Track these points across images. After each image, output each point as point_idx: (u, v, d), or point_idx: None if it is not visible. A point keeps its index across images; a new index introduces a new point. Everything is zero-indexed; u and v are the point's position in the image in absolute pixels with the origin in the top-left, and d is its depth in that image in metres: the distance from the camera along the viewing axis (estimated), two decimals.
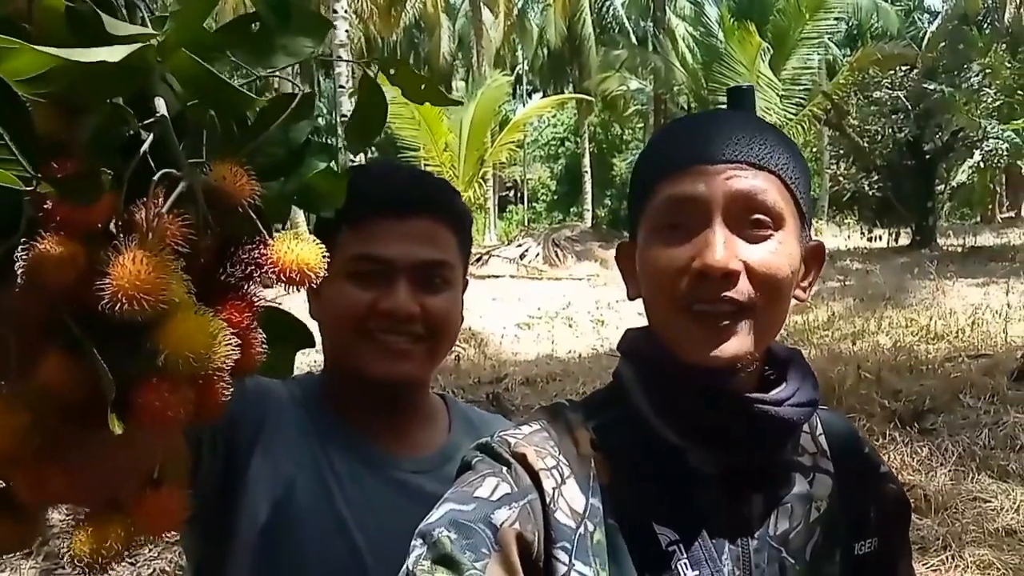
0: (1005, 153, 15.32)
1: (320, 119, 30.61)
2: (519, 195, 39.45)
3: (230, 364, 0.61)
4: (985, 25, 20.95)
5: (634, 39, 26.25)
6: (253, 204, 0.66)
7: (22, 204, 0.59)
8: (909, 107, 14.78)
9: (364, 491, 1.12)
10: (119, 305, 0.55)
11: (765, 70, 15.51)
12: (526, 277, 15.75)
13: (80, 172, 0.57)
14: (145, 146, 0.61)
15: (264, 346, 0.69)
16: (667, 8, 21.61)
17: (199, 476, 1.01)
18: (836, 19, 17.35)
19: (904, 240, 16.49)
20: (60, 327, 0.61)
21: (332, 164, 0.75)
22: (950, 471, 4.86)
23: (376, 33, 26.74)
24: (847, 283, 12.50)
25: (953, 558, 3.90)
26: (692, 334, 0.84)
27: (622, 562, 0.84)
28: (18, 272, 0.59)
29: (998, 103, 15.79)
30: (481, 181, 17.17)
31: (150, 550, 3.93)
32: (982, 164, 15.93)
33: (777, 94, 15.67)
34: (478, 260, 16.90)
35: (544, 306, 12.31)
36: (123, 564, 3.71)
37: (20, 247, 0.59)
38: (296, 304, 1.00)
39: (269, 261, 0.65)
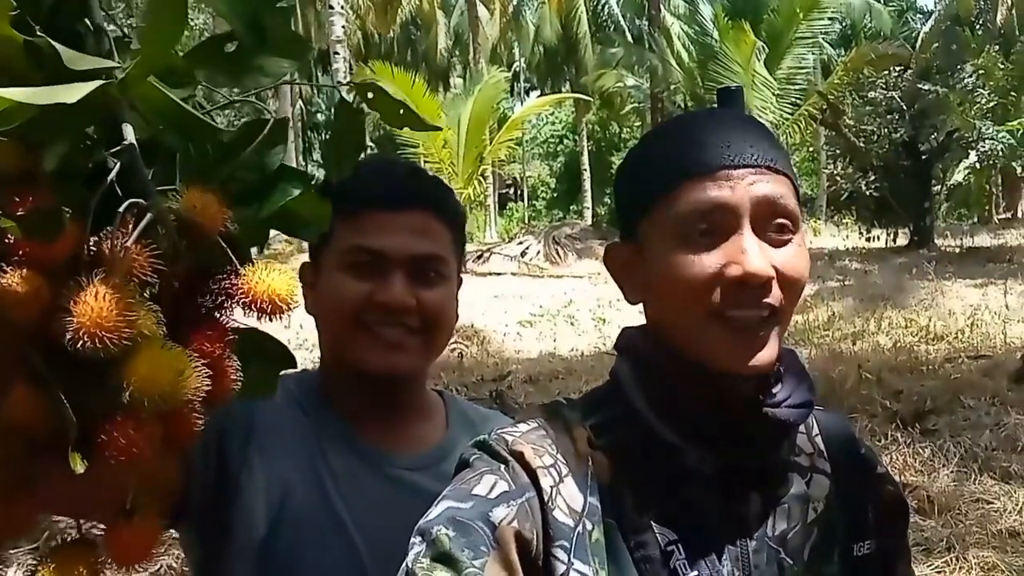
0: (1000, 154, 15.35)
1: (319, 115, 30.70)
2: (519, 192, 39.48)
3: (201, 396, 0.59)
4: (977, 26, 20.99)
5: (629, 37, 26.27)
6: (226, 232, 0.64)
7: None
8: (904, 107, 14.78)
9: (361, 489, 1.11)
10: (81, 342, 0.54)
11: (760, 69, 15.52)
12: (527, 275, 15.77)
13: (40, 207, 0.55)
14: (111, 175, 0.59)
15: (240, 373, 0.68)
16: (662, 6, 21.58)
17: (193, 479, 1.01)
18: (830, 19, 17.34)
19: (902, 240, 16.49)
20: (27, 360, 0.60)
21: (310, 189, 0.73)
22: (952, 472, 4.86)
23: (373, 29, 26.73)
24: (846, 283, 12.51)
25: (957, 560, 3.90)
26: (727, 343, 0.82)
27: (621, 562, 0.83)
28: None
29: (992, 104, 15.81)
30: (481, 178, 17.18)
31: (159, 546, 3.92)
32: (978, 165, 15.96)
33: (773, 93, 15.68)
34: (479, 257, 16.92)
35: (546, 304, 12.33)
36: None
37: None
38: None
39: (240, 291, 0.64)
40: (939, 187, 16.77)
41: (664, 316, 0.88)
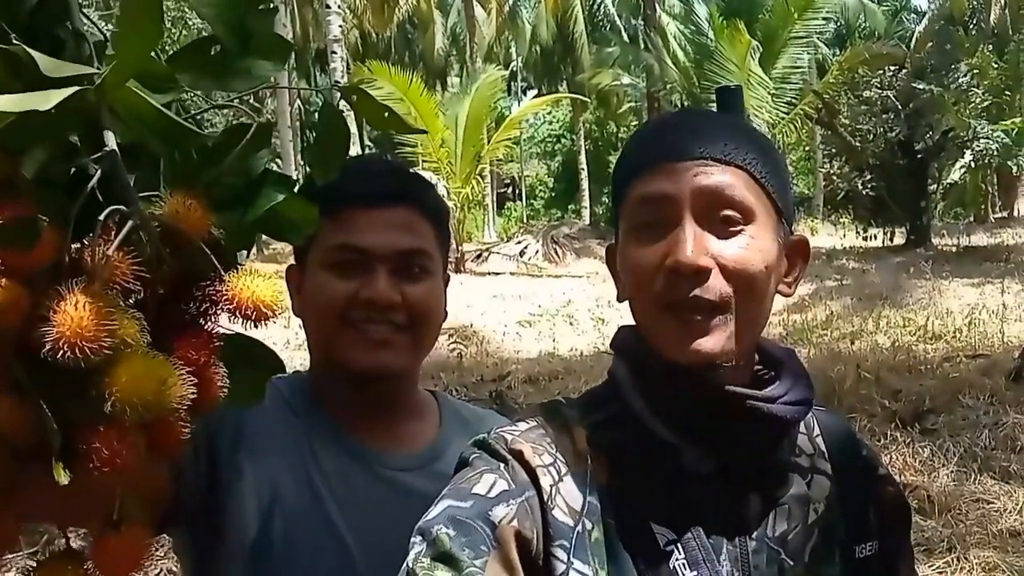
0: (996, 153, 15.36)
1: (317, 114, 30.71)
2: (517, 192, 39.49)
3: (186, 404, 0.59)
4: (971, 26, 21.02)
5: (625, 37, 26.28)
6: (210, 238, 0.63)
7: None
8: (899, 107, 14.80)
9: (353, 489, 1.11)
10: (60, 352, 0.53)
11: (756, 68, 15.52)
12: (526, 274, 15.79)
13: (17, 216, 0.54)
14: (92, 182, 0.58)
15: (227, 379, 0.67)
16: (657, 6, 21.60)
17: (183, 483, 1.01)
18: (824, 19, 17.36)
19: (899, 239, 16.50)
20: (8, 370, 0.59)
21: (295, 192, 0.72)
22: (952, 472, 4.85)
23: (370, 29, 26.73)
24: (844, 282, 12.53)
25: (958, 560, 3.89)
26: (670, 331, 0.83)
27: (620, 561, 0.83)
28: None
29: (986, 103, 15.83)
30: (479, 178, 17.17)
31: (157, 550, 3.92)
32: (973, 164, 15.97)
33: (768, 92, 15.69)
34: (478, 257, 16.95)
35: (545, 304, 12.34)
36: None
37: None
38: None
39: (225, 298, 0.63)
40: (935, 186, 16.78)
41: (632, 309, 0.90)
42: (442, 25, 29.89)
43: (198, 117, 0.75)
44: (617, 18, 27.99)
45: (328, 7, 13.93)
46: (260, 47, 0.68)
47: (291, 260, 1.21)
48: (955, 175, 16.67)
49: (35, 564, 0.66)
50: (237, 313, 0.63)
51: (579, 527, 0.83)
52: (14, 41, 0.54)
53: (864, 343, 8.52)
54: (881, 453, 4.60)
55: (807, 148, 20.84)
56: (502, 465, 0.84)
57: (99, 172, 0.59)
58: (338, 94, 0.76)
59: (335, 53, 13.66)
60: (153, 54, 0.62)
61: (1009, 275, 11.65)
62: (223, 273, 0.64)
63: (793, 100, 16.30)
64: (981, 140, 14.97)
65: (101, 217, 0.58)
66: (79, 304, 0.54)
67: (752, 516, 0.88)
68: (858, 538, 0.94)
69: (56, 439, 0.56)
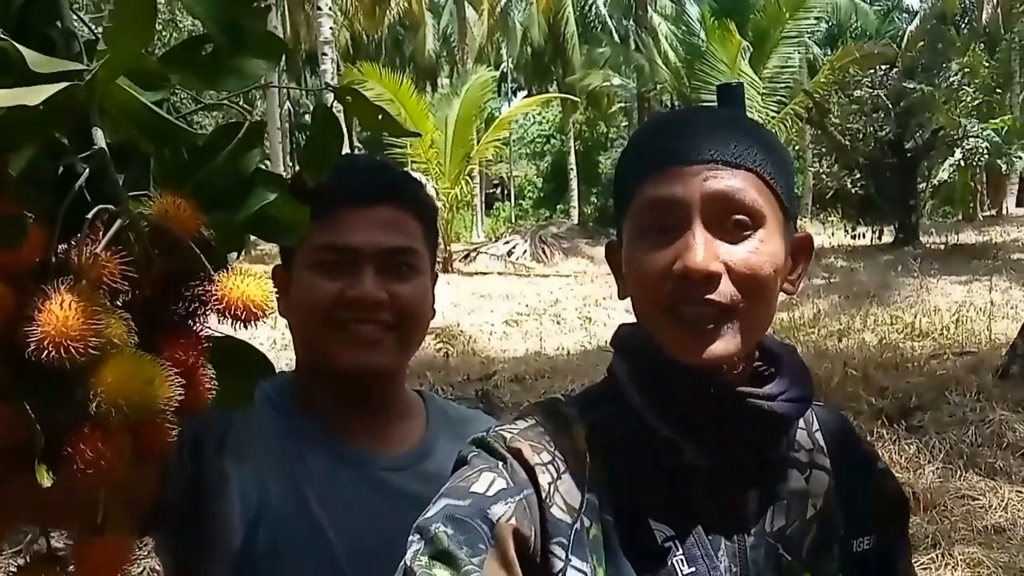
0: (985, 152, 15.45)
1: (308, 116, 30.63)
2: (506, 192, 39.46)
3: (173, 406, 0.58)
4: (963, 25, 21.13)
5: (616, 37, 26.33)
6: (200, 237, 0.63)
7: None
8: (889, 106, 14.84)
9: (338, 490, 1.10)
10: (45, 352, 0.53)
11: (746, 68, 15.56)
12: (514, 274, 15.78)
13: (3, 214, 0.54)
14: (80, 180, 0.58)
15: (216, 381, 0.67)
16: (648, 6, 21.64)
17: (168, 484, 0.99)
18: (816, 18, 17.44)
19: (888, 238, 16.55)
20: None
21: (287, 192, 0.72)
22: (938, 469, 4.87)
23: (361, 30, 26.66)
24: (832, 280, 12.56)
25: (943, 556, 3.91)
26: (678, 336, 0.83)
27: (618, 558, 0.83)
28: None
29: (977, 102, 15.92)
30: (468, 178, 17.15)
31: (140, 549, 3.89)
32: (963, 163, 16.05)
33: (758, 92, 15.71)
34: (466, 257, 16.93)
35: (532, 303, 12.33)
36: None
37: None
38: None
39: (214, 298, 0.63)
40: (924, 185, 16.85)
41: (636, 310, 0.89)
42: (433, 26, 29.84)
43: (188, 117, 0.75)
44: (608, 19, 28.02)
45: (319, 9, 13.90)
46: (253, 45, 0.68)
47: (278, 262, 1.20)
48: (944, 174, 16.75)
49: (15, 569, 0.65)
50: (227, 314, 0.63)
51: (577, 524, 0.83)
52: (2, 37, 0.54)
53: (851, 341, 8.55)
54: None
55: (796, 147, 20.88)
56: (501, 463, 0.84)
57: (87, 170, 0.58)
58: (331, 95, 0.75)
59: (325, 55, 13.64)
60: (144, 53, 0.61)
61: (997, 272, 11.71)
62: (213, 273, 0.63)
63: (783, 99, 16.35)
64: (971, 139, 15.06)
65: (89, 216, 0.57)
66: (65, 304, 0.53)
67: (751, 512, 0.88)
68: (856, 532, 0.94)
69: (39, 441, 0.56)
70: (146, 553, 3.84)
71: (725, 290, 0.82)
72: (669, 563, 0.83)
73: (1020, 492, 4.54)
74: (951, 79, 15.36)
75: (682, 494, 0.87)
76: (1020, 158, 16.89)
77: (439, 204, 14.28)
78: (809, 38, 19.26)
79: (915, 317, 9.41)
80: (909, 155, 15.19)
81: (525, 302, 12.36)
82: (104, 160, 0.59)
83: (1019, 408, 5.60)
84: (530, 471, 0.83)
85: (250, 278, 0.63)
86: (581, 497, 0.85)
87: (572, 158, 29.97)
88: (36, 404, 0.57)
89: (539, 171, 40.86)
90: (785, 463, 0.92)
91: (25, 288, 0.57)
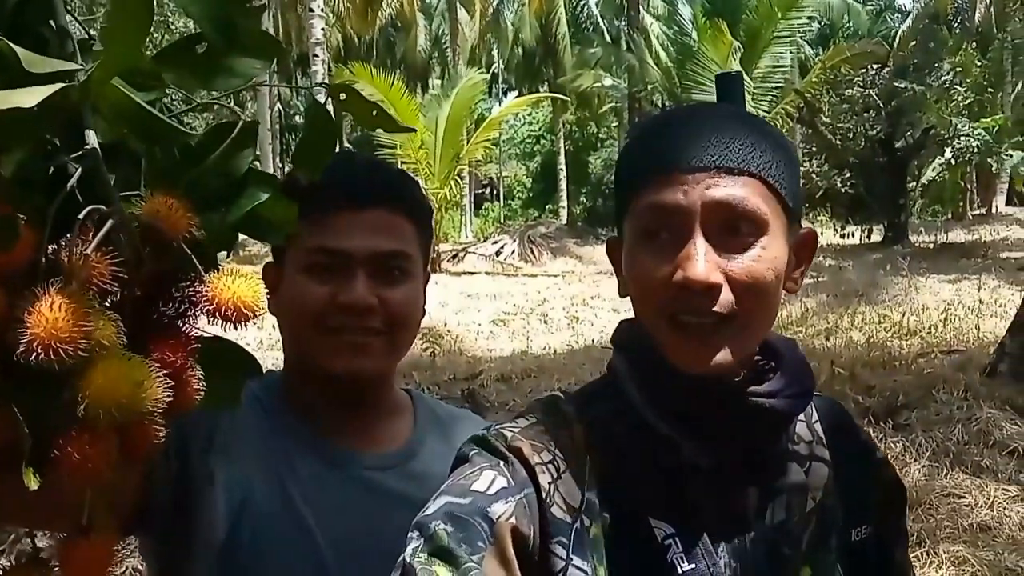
0: (975, 151, 15.52)
1: (298, 117, 30.53)
2: (495, 192, 39.45)
3: (161, 407, 0.58)
4: (955, 24, 21.22)
5: (608, 38, 26.35)
6: (190, 238, 0.63)
7: None
8: (880, 105, 14.89)
9: (325, 489, 1.10)
10: (35, 354, 0.52)
11: (738, 68, 15.57)
12: (502, 274, 15.77)
13: None
14: (72, 181, 0.58)
15: (203, 382, 0.67)
16: (641, 7, 21.68)
17: (154, 485, 1.00)
18: (808, 18, 17.50)
19: (876, 237, 16.61)
20: None
21: (278, 192, 0.72)
22: (924, 467, 4.88)
23: (353, 32, 26.60)
24: (820, 279, 12.59)
25: (928, 554, 3.91)
26: (679, 345, 0.83)
27: (618, 556, 0.83)
28: None
29: (968, 101, 15.99)
30: (457, 179, 17.14)
31: (124, 549, 3.87)
32: (953, 162, 16.12)
33: (750, 92, 15.70)
34: (454, 257, 16.91)
35: (519, 303, 12.32)
36: None
37: None
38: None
39: (204, 299, 0.63)
40: (914, 184, 16.93)
41: (636, 312, 0.89)
42: (425, 28, 29.80)
43: (179, 118, 0.74)
44: (600, 20, 28.03)
45: (311, 11, 13.89)
46: (247, 45, 0.68)
47: (267, 260, 1.19)
48: (934, 173, 16.82)
49: (1, 571, 0.65)
50: (217, 314, 0.62)
51: (577, 524, 0.83)
52: None
53: (839, 340, 8.56)
54: None
55: None
56: (502, 462, 0.84)
57: (79, 171, 0.58)
58: (324, 93, 0.76)
59: (317, 56, 13.62)
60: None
61: (986, 271, 11.76)
62: (203, 273, 0.63)
63: (774, 99, 16.39)
64: (961, 137, 15.10)
65: (80, 216, 0.57)
66: (55, 305, 0.53)
67: (751, 507, 0.89)
68: (854, 521, 0.95)
69: (27, 442, 0.55)
70: (129, 553, 3.82)
71: (726, 300, 0.81)
72: (669, 560, 0.84)
73: (1006, 490, 4.55)
74: (943, 78, 15.41)
75: (682, 492, 0.87)
76: (1011, 156, 16.96)
77: None
78: (801, 38, 19.31)
79: (903, 316, 9.43)
80: (899, 154, 15.25)
81: (512, 302, 12.35)
82: (96, 160, 0.59)
83: (1006, 406, 5.61)
84: (530, 470, 0.84)
85: (240, 279, 0.63)
86: (581, 496, 0.85)
87: (562, 158, 29.97)
88: (24, 406, 0.57)
89: (528, 171, 40.86)
90: (785, 457, 0.92)
91: (15, 289, 0.57)
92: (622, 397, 0.91)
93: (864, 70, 15.63)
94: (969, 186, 22.49)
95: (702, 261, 0.80)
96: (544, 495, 0.83)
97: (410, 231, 1.15)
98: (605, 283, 13.11)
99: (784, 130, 17.61)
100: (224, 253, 0.74)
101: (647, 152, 0.87)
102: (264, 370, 1.20)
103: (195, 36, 0.69)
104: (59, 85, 0.53)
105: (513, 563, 0.78)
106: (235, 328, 0.64)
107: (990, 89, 17.17)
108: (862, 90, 15.16)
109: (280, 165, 20.59)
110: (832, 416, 1.00)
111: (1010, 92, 20.79)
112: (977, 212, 22.77)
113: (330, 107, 0.83)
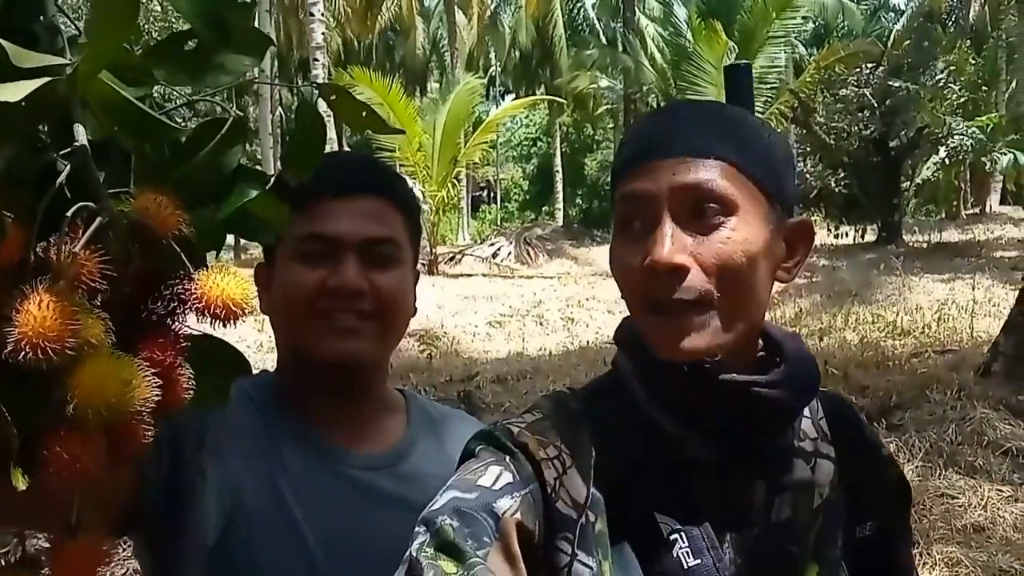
0: (970, 150, 15.55)
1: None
2: (492, 195, 39.45)
3: (150, 407, 0.58)
4: (950, 23, 21.28)
5: (604, 40, 26.38)
6: (180, 236, 0.63)
7: None
8: (875, 104, 14.91)
9: (316, 487, 1.10)
10: (23, 353, 0.52)
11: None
12: (498, 276, 15.76)
13: None
14: (61, 178, 0.58)
15: (192, 381, 0.66)
16: (636, 9, 21.71)
17: (145, 484, 1.00)
18: (803, 18, 17.54)
19: (870, 236, 16.63)
20: None
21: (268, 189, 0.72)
22: (917, 467, 4.87)
23: (352, 36, 26.61)
24: (814, 279, 12.59)
25: (921, 555, 3.90)
26: (655, 330, 0.84)
27: (624, 552, 0.83)
28: None
29: (962, 100, 16.02)
30: (455, 181, 17.15)
31: (123, 550, 3.85)
32: (947, 161, 16.15)
33: None
34: (451, 259, 16.91)
35: (515, 304, 12.32)
36: None
37: None
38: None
39: (193, 296, 0.62)
40: (908, 183, 16.95)
41: (626, 304, 0.90)
42: (424, 31, 29.82)
43: (170, 115, 0.74)
44: (596, 22, 28.08)
45: (311, 15, 13.92)
46: (237, 41, 0.67)
47: (259, 262, 1.20)
48: (928, 172, 16.84)
49: None
50: (206, 312, 0.62)
51: (583, 519, 0.83)
52: None
53: (832, 340, 8.57)
54: None
55: None
56: (508, 457, 0.85)
57: (68, 168, 0.58)
58: (317, 95, 0.76)
59: (317, 60, 13.67)
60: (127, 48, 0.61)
61: (979, 270, 11.75)
62: (192, 271, 0.63)
63: (769, 99, 16.41)
64: (955, 137, 15.12)
65: (68, 214, 0.57)
66: (43, 304, 0.53)
67: (756, 503, 0.89)
68: (859, 518, 0.95)
69: (14, 443, 0.55)
70: (130, 554, 3.81)
71: (694, 282, 0.82)
72: (675, 555, 0.84)
73: (1000, 491, 4.55)
74: (937, 77, 15.42)
75: (687, 487, 0.87)
76: (1005, 155, 17.00)
77: (426, 207, 14.28)
78: (796, 38, 19.35)
79: (897, 315, 9.44)
80: (893, 153, 15.26)
81: (508, 303, 12.36)
82: (85, 157, 0.58)
83: (1000, 406, 5.62)
84: (536, 465, 0.84)
85: (229, 276, 0.63)
86: (586, 492, 0.85)
87: (558, 160, 30.02)
88: (12, 405, 0.56)
89: (525, 173, 40.89)
90: (790, 453, 0.92)
91: (3, 288, 0.57)
92: (626, 393, 0.91)
93: (858, 69, 15.65)
94: (963, 185, 22.55)
95: (667, 244, 0.81)
96: (549, 490, 0.83)
97: (399, 220, 1.17)
98: (600, 285, 13.11)
99: (779, 130, 17.64)
100: (214, 253, 0.74)
101: (626, 149, 0.90)
102: (264, 372, 1.21)
103: (185, 33, 0.69)
104: (46, 79, 0.52)
105: (518, 558, 0.78)
106: (224, 326, 0.64)
107: (984, 88, 17.22)
108: (856, 89, 15.16)
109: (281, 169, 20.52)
110: (838, 413, 1.00)
111: (1004, 91, 20.86)
112: (971, 211, 22.83)
113: (328, 112, 0.83)
